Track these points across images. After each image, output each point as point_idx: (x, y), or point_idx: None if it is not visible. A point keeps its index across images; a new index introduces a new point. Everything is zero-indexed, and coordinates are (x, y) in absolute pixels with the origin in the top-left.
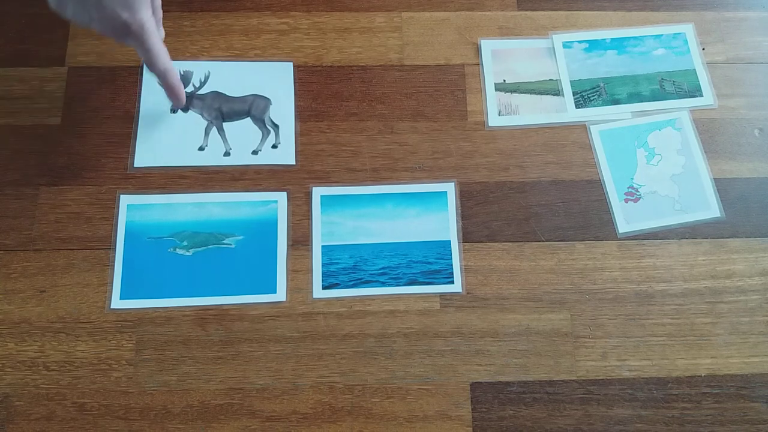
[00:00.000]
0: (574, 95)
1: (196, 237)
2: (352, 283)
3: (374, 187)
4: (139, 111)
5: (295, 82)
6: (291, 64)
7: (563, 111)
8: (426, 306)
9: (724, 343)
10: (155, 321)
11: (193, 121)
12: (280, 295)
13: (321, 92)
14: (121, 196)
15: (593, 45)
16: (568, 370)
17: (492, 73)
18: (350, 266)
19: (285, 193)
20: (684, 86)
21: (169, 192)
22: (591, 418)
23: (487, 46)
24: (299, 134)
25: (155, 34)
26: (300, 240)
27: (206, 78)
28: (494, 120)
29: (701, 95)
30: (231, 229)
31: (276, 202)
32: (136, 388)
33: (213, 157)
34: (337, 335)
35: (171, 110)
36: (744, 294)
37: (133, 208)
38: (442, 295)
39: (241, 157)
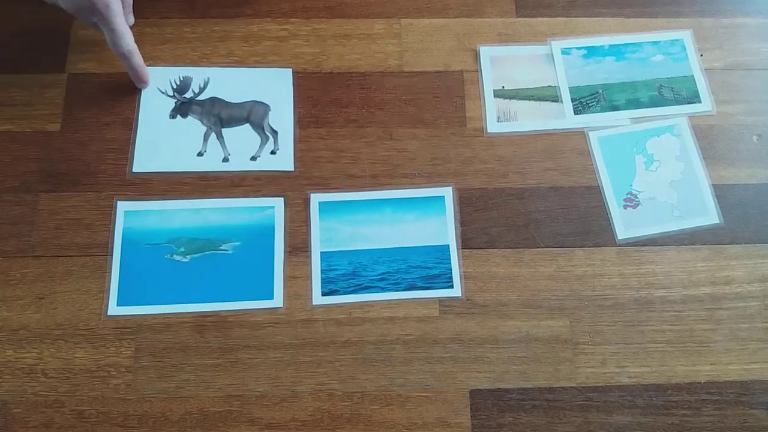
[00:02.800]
0: (572, 101)
1: (193, 243)
2: (352, 289)
3: (371, 193)
4: (138, 117)
5: (294, 89)
6: (290, 70)
7: (562, 117)
8: (425, 312)
9: (723, 350)
10: (154, 328)
11: (192, 126)
12: (278, 301)
13: (320, 99)
14: (119, 202)
15: (592, 51)
16: (567, 376)
17: (491, 80)
18: (349, 272)
19: (282, 198)
20: (682, 92)
21: (169, 198)
22: (590, 425)
23: (486, 52)
24: (298, 140)
25: (120, 14)
26: (299, 247)
27: (205, 84)
28: (493, 126)
29: (699, 101)
30: (228, 235)
31: (273, 207)
32: (134, 395)
33: (212, 163)
34: (337, 342)
35: (170, 116)
36: (743, 300)
37: (130, 215)
38: (441, 302)
39: (239, 163)
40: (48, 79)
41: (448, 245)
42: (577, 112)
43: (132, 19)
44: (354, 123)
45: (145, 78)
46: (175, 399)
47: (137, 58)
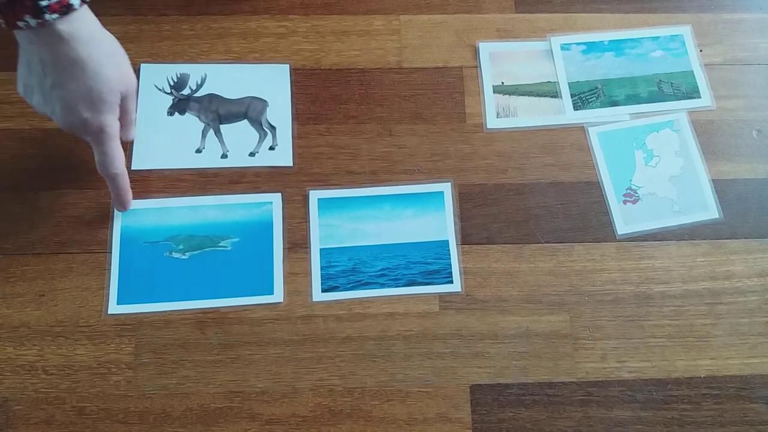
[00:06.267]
0: (572, 97)
1: (191, 240)
2: (351, 285)
3: (370, 189)
4: (136, 114)
5: (292, 85)
6: (287, 65)
7: (561, 113)
8: (425, 308)
9: (723, 344)
10: (154, 324)
11: (190, 123)
12: (278, 296)
13: (319, 95)
14: None
15: (591, 47)
16: (567, 371)
17: (490, 76)
18: (349, 268)
19: (280, 194)
20: (682, 88)
21: (168, 195)
22: (591, 420)
23: (485, 48)
24: (297, 137)
25: (115, 138)
26: (299, 243)
27: (203, 80)
28: (492, 122)
29: (699, 97)
30: (226, 232)
31: (271, 203)
32: (135, 391)
33: (210, 160)
34: (337, 338)
35: (167, 113)
36: (743, 295)
37: (127, 213)
38: (441, 297)
39: (238, 159)
40: None
41: (448, 240)
42: (576, 107)
43: (133, 135)
44: (353, 119)
45: (127, 202)
46: (175, 395)
47: (124, 180)
